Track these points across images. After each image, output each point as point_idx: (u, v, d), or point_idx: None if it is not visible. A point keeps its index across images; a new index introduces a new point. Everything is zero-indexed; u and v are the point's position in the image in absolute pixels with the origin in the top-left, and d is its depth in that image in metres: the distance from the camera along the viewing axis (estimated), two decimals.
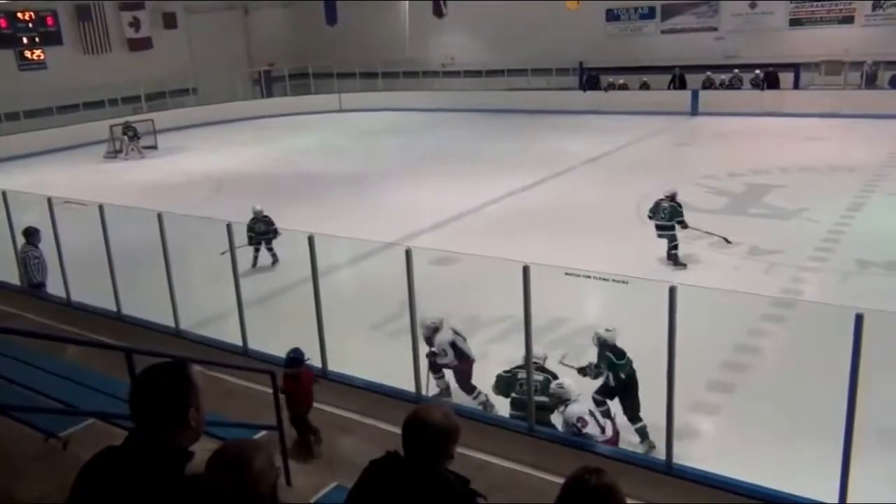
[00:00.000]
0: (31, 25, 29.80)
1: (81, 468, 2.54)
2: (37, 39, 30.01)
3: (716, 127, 24.88)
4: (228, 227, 8.35)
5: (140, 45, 32.93)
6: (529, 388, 6.59)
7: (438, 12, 28.10)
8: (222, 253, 8.64)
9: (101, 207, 9.71)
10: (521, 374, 6.97)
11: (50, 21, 30.35)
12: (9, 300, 11.33)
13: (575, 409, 6.58)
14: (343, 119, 31.62)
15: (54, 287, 11.12)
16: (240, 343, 8.42)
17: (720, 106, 26.72)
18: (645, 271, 7.67)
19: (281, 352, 7.10)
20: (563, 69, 30.34)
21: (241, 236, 8.91)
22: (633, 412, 7.15)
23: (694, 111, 27.43)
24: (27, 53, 29.79)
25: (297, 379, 6.65)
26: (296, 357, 6.83)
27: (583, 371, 7.50)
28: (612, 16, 30.68)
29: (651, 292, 5.99)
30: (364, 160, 22.88)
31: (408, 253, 6.66)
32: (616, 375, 7.16)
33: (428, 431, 2.76)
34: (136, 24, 32.80)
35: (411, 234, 14.16)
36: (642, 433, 7.10)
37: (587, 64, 29.75)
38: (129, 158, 25.31)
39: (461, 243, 12.58)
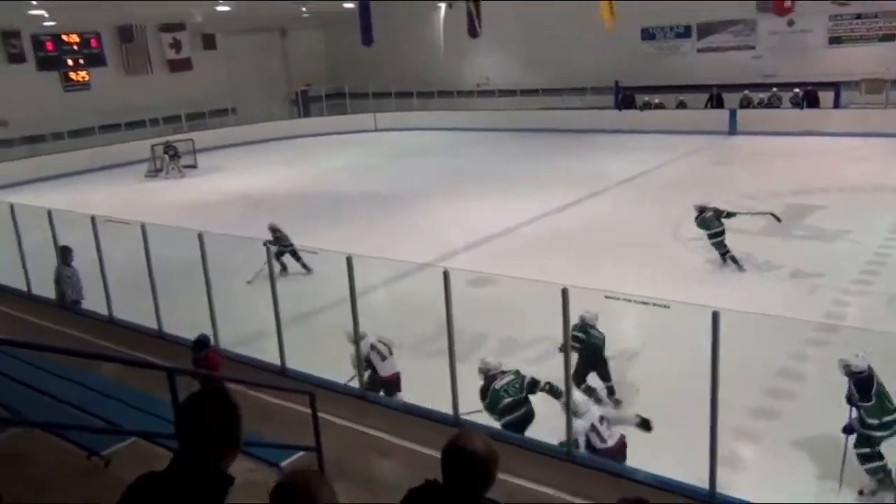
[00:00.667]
0: (76, 48, 30.58)
1: (125, 491, 2.55)
2: (81, 61, 30.79)
3: (754, 146, 24.58)
4: (267, 247, 8.42)
5: (180, 65, 33.60)
6: (569, 417, 6.50)
7: (473, 32, 28.24)
8: (248, 282, 8.74)
9: (143, 226, 9.88)
10: (497, 384, 7.40)
11: (94, 43, 31.13)
12: (50, 316, 11.54)
13: (581, 425, 6.62)
14: (378, 138, 31.87)
15: (96, 304, 11.31)
16: (278, 362, 8.46)
17: (758, 125, 26.41)
18: (686, 294, 7.56)
19: (318, 372, 7.13)
20: (598, 88, 30.26)
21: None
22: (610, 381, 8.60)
23: (732, 130, 27.14)
24: (72, 75, 30.56)
25: (206, 361, 7.42)
26: (201, 339, 7.77)
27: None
28: (647, 34, 30.58)
29: (691, 315, 5.90)
30: (399, 180, 22.99)
31: (446, 275, 6.65)
32: (592, 352, 8.45)
33: (469, 460, 2.72)
34: (176, 45, 33.50)
35: (446, 254, 14.16)
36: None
37: (622, 83, 29.64)
38: (170, 177, 25.77)
39: (496, 264, 12.55)
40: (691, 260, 12.29)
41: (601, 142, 26.86)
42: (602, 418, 6.81)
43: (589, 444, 6.61)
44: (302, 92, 36.27)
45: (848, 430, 6.69)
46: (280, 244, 13.69)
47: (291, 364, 8.47)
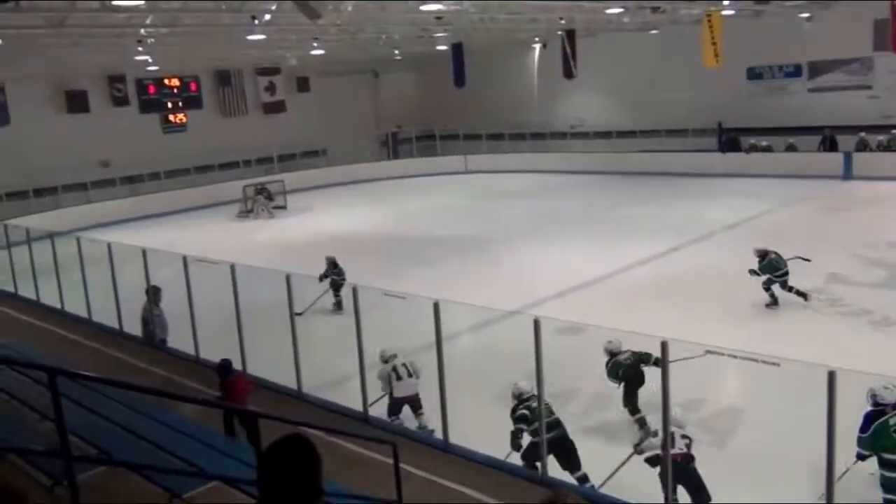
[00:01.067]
0: (175, 91, 32.34)
1: None
2: (180, 104, 32.50)
3: (872, 192, 23.49)
4: (354, 290, 8.51)
5: (274, 108, 34.99)
6: (668, 468, 6.25)
7: (569, 73, 28.24)
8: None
9: (232, 267, 10.19)
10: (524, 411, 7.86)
11: (193, 87, 32.84)
12: (139, 354, 12.01)
13: (655, 442, 6.94)
14: (468, 181, 32.15)
15: (184, 343, 11.70)
16: (360, 409, 8.49)
17: (876, 169, 25.24)
18: (799, 352, 7.17)
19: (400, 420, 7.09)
20: (700, 130, 29.69)
21: (369, 297, 9.08)
22: (633, 405, 9.20)
23: (847, 175, 26.04)
24: (171, 117, 32.28)
25: (229, 388, 8.47)
26: (225, 364, 8.81)
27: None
28: (753, 74, 29.89)
29: (804, 373, 5.59)
30: (488, 223, 23.04)
31: (536, 323, 6.55)
32: (632, 377, 9.15)
33: None
34: (271, 88, 34.95)
35: (535, 301, 14.01)
36: (641, 422, 8.91)
37: (726, 124, 28.98)
38: (261, 218, 26.67)
39: (589, 313, 12.31)
40: (799, 314, 11.75)
41: (703, 186, 26.24)
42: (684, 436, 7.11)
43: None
44: (392, 134, 37.09)
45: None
46: (336, 276, 14.70)
47: (375, 412, 8.47)
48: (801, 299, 13.02)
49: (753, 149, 28.53)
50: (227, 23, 18.26)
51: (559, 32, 27.24)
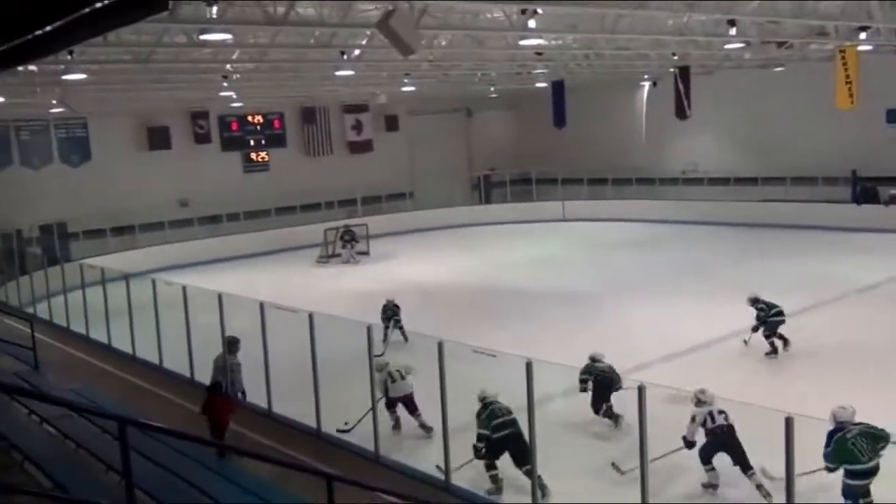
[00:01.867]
0: (259, 128, 33.63)
1: None
2: (263, 142, 33.74)
3: None
4: (440, 345, 8.54)
5: (360, 147, 35.87)
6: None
7: (681, 113, 27.98)
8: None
9: (310, 316, 10.39)
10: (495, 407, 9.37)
11: (277, 124, 34.07)
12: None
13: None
14: (567, 229, 31.98)
15: (256, 394, 11.95)
16: (442, 477, 8.44)
17: None
18: None
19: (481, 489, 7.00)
20: (830, 178, 28.76)
21: (457, 353, 9.09)
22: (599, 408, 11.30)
23: None
24: (253, 155, 33.53)
25: (213, 404, 10.18)
26: (214, 385, 10.92)
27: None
28: (894, 116, 28.89)
29: None
30: (588, 276, 22.80)
31: (641, 391, 6.41)
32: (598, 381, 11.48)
33: None
34: (358, 126, 35.88)
35: (640, 364, 13.70)
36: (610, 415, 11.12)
37: (862, 172, 28.00)
38: (342, 263, 27.18)
39: (702, 380, 11.95)
40: None
41: (834, 241, 25.30)
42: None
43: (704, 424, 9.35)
44: (485, 176, 37.40)
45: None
46: (394, 317, 16.16)
47: (457, 479, 8.40)
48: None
49: (893, 200, 27.44)
50: (316, 58, 18.96)
51: (671, 69, 27.10)
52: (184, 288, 13.80)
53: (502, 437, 8.96)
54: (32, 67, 16.54)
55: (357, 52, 17.66)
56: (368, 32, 15.98)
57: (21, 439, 7.69)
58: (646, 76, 32.29)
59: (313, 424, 10.77)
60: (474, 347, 9.00)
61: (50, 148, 28.67)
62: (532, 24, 14.14)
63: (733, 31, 15.83)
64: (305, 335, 10.82)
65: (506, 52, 20.90)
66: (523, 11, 13.38)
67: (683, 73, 26.80)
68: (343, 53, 17.22)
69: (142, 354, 15.37)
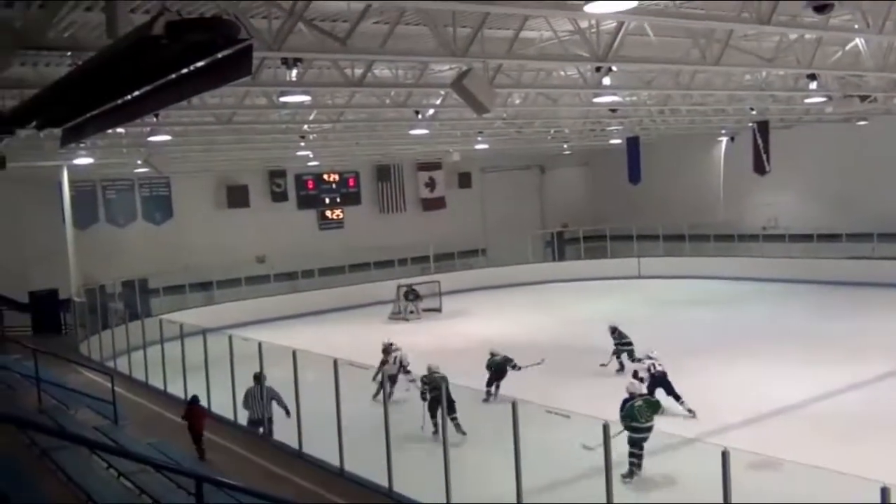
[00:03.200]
0: (334, 186, 34.39)
1: None
2: (338, 200, 34.48)
3: None
4: (514, 405, 8.46)
5: (433, 204, 36.31)
6: None
7: (760, 168, 27.55)
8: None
9: (382, 373, 10.42)
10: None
11: (351, 182, 34.81)
12: (281, 462, 12.41)
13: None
14: (642, 286, 31.55)
15: (327, 451, 12.00)
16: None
17: None
18: None
19: None
20: None
21: (528, 413, 9.00)
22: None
23: None
24: (328, 213, 34.25)
25: (192, 413, 12.81)
26: (193, 399, 13.32)
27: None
28: None
29: None
30: (664, 334, 22.31)
31: (724, 456, 6.21)
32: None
33: None
34: (431, 184, 36.39)
35: (719, 427, 13.37)
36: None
37: None
38: (411, 320, 27.30)
39: (786, 446, 11.57)
40: None
41: None
42: None
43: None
44: (558, 233, 37.33)
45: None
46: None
47: None
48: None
49: None
50: (391, 117, 19.38)
51: (749, 124, 26.79)
52: (259, 344, 14.02)
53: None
54: (120, 130, 17.32)
55: (431, 111, 17.98)
56: (443, 92, 16.29)
57: (98, 493, 7.86)
58: (723, 131, 31.99)
59: (385, 483, 10.74)
60: (548, 407, 8.88)
61: (134, 206, 29.89)
62: (606, 81, 14.21)
63: (814, 86, 15.59)
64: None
65: (579, 110, 21.02)
66: (598, 69, 13.46)
67: (762, 127, 26.47)
68: (418, 113, 17.56)
69: (217, 410, 15.60)
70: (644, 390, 13.05)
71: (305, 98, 14.80)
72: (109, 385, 14.66)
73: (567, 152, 36.85)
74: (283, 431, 13.27)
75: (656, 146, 32.45)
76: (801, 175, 31.12)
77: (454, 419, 13.12)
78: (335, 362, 11.66)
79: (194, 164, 27.64)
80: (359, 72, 13.30)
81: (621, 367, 18.02)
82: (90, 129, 10.87)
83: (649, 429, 11.75)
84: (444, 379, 13.01)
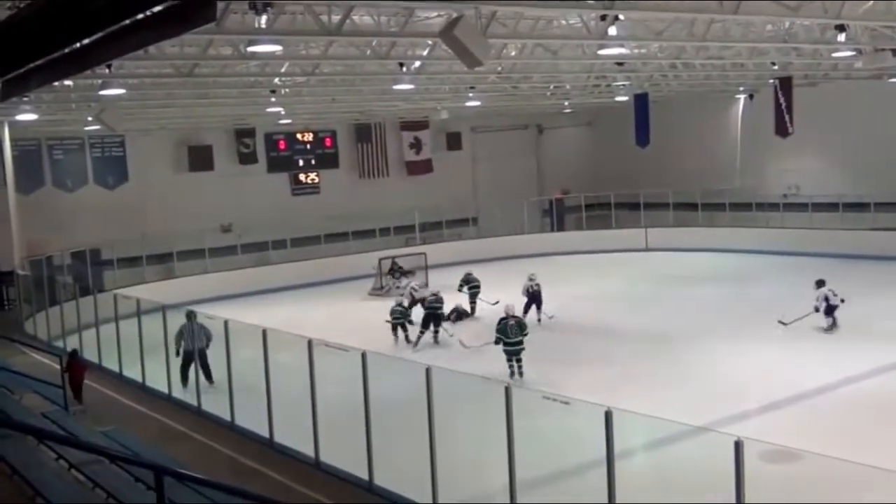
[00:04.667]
0: (309, 147, 34.26)
1: None
2: (313, 162, 34.36)
3: None
4: (507, 390, 8.50)
5: (419, 168, 36.23)
6: None
7: (783, 130, 27.52)
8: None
9: (363, 356, 10.46)
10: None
11: (328, 142, 34.69)
12: (251, 453, 12.48)
13: None
14: (650, 260, 31.68)
15: (302, 441, 12.06)
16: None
17: None
18: None
19: None
20: None
21: (524, 400, 9.05)
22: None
23: None
24: (301, 177, 34.14)
25: (71, 366, 14.97)
26: (73, 352, 16.06)
27: None
28: None
29: None
30: (674, 313, 22.51)
31: (738, 446, 6.28)
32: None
33: None
34: (417, 145, 36.28)
35: (733, 415, 13.46)
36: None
37: None
38: (385, 294, 27.28)
39: (804, 435, 11.69)
40: None
41: None
42: None
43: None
44: (557, 200, 37.33)
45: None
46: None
47: None
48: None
49: None
50: (372, 71, 19.25)
51: (771, 80, 26.76)
52: (225, 322, 14.03)
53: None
54: (68, 82, 17.16)
55: (417, 63, 17.87)
56: (430, 42, 16.19)
57: (47, 487, 7.86)
58: (741, 88, 31.97)
59: (365, 475, 10.81)
60: (545, 393, 8.95)
61: (84, 168, 29.67)
62: (612, 31, 14.12)
63: (842, 38, 15.56)
64: (358, 376, 10.89)
65: (582, 63, 20.95)
66: (603, 17, 13.37)
67: (784, 84, 26.41)
68: (402, 65, 17.46)
69: (178, 395, 15.64)
70: (517, 312, 18.22)
71: (276, 48, 14.66)
72: (58, 367, 14.67)
73: (568, 111, 36.76)
74: (253, 418, 13.32)
75: (667, 104, 32.37)
76: (827, 138, 31.17)
77: (436, 332, 20.38)
78: (309, 343, 11.68)
79: (152, 121, 27.43)
80: (336, 18, 13.17)
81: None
82: (34, 82, 10.80)
83: (518, 342, 16.75)
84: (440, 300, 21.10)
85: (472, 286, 24.04)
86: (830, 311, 19.18)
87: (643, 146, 30.05)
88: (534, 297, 21.63)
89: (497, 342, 16.76)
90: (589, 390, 11.79)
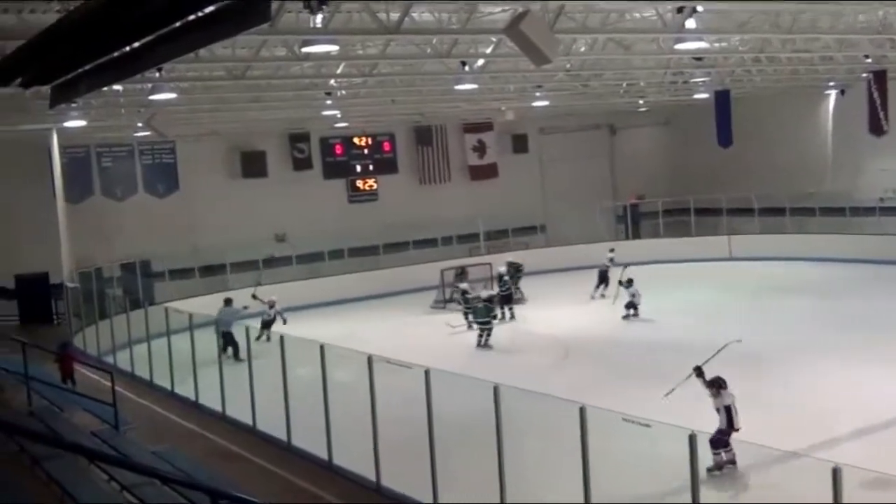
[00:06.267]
0: (366, 152, 34.48)
1: None
2: (371, 167, 34.59)
3: None
4: (582, 411, 8.44)
5: (483, 173, 36.23)
6: None
7: (877, 128, 27.01)
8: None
9: (426, 373, 10.48)
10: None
11: (387, 147, 34.89)
12: (309, 475, 12.58)
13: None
14: (733, 270, 31.22)
15: (362, 463, 12.12)
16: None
17: None
18: None
19: None
20: None
21: (599, 421, 8.98)
22: None
23: None
24: (359, 183, 34.37)
25: (62, 357, 17.19)
26: (64, 343, 18.25)
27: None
28: None
29: None
30: (762, 328, 22.10)
31: (836, 473, 6.14)
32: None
33: None
34: (480, 148, 36.29)
35: (828, 439, 13.24)
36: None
37: None
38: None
39: None
40: None
41: None
42: None
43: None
44: (632, 205, 37.04)
45: None
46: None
47: None
48: None
49: None
50: (433, 70, 19.34)
51: (863, 74, 26.27)
52: (281, 337, 14.17)
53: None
54: (117, 87, 17.55)
55: (481, 61, 17.91)
56: (494, 39, 16.22)
57: None
58: (831, 83, 31.42)
59: (429, 499, 10.82)
60: (624, 415, 8.85)
61: (134, 176, 30.26)
62: (690, 23, 14.00)
63: None
64: (421, 394, 10.92)
65: (657, 59, 20.81)
66: (679, 10, 13.27)
67: (879, 78, 25.91)
68: (464, 64, 17.52)
69: (232, 413, 15.83)
70: (485, 294, 23.60)
71: (332, 48, 14.81)
72: (109, 384, 14.94)
73: (643, 109, 36.48)
74: (310, 438, 13.42)
75: (751, 102, 31.94)
76: None
77: (511, 308, 25.23)
78: (369, 359, 11.73)
79: (203, 126, 27.94)
80: (395, 16, 13.28)
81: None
82: (83, 87, 11.04)
83: (485, 322, 21.88)
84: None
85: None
86: None
87: (725, 146, 29.70)
88: (601, 275, 25.44)
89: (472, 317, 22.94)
90: (671, 411, 11.62)
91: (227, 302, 22.33)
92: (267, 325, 22.81)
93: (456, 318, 24.21)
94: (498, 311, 24.05)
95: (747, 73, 25.25)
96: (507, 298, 25.53)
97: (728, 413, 12.44)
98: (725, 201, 34.02)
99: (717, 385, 12.78)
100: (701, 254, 32.98)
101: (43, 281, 26.25)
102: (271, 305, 24.01)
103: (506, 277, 25.96)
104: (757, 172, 33.92)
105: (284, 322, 22.68)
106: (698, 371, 13.38)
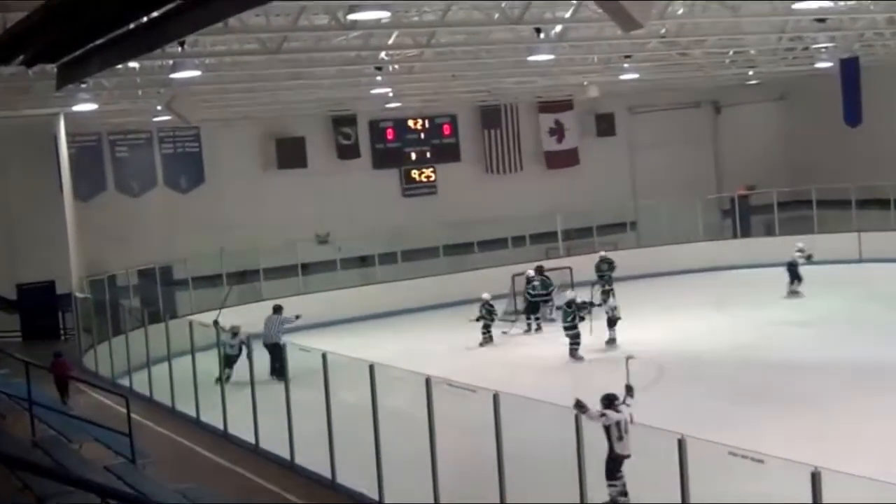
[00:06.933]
0: (423, 137, 34.53)
1: None
2: (428, 155, 34.64)
3: None
4: (681, 443, 8.38)
5: (561, 160, 36.10)
6: None
7: None
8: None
9: (495, 397, 10.46)
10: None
11: (447, 129, 34.91)
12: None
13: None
14: (865, 274, 30.72)
15: (419, 493, 12.17)
16: None
17: None
18: None
19: None
20: None
21: (702, 453, 8.92)
22: None
23: None
24: (414, 173, 34.42)
25: (57, 365, 19.11)
26: (57, 353, 20.11)
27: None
28: None
29: None
30: None
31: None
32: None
33: None
34: (558, 131, 36.15)
35: None
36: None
37: None
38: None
39: None
40: None
41: None
42: None
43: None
44: (740, 198, 36.58)
45: None
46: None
47: None
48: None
49: None
50: (501, 39, 19.33)
51: None
52: (323, 355, 14.24)
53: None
54: (133, 64, 17.80)
55: (558, 28, 17.85)
56: (574, 2, 16.14)
57: None
58: None
59: None
60: (731, 448, 8.76)
61: (153, 168, 30.64)
62: None
63: None
64: (489, 420, 10.93)
65: (771, 21, 20.56)
66: None
67: None
68: (539, 31, 17.46)
69: (266, 445, 15.95)
70: (570, 295, 24.14)
71: (383, 14, 14.89)
72: (124, 410, 15.13)
73: (753, 82, 36.07)
74: (358, 475, 13.50)
75: (884, 72, 31.44)
76: None
77: (538, 319, 26.39)
78: (427, 381, 11.75)
79: (232, 109, 28.20)
80: None
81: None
82: (95, 65, 11.23)
83: (570, 327, 23.09)
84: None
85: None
86: None
87: (854, 125, 29.25)
88: (790, 269, 27.99)
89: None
90: (790, 443, 11.46)
91: (277, 309, 22.90)
92: (230, 361, 19.95)
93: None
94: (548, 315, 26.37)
95: (880, 36, 24.88)
96: (535, 307, 26.46)
97: (607, 434, 12.09)
98: (854, 192, 33.48)
99: (605, 402, 12.40)
100: (825, 254, 32.40)
101: (48, 291, 26.64)
102: (234, 334, 20.75)
103: (535, 282, 26.70)
104: (892, 156, 33.37)
105: (249, 357, 17.93)
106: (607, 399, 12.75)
